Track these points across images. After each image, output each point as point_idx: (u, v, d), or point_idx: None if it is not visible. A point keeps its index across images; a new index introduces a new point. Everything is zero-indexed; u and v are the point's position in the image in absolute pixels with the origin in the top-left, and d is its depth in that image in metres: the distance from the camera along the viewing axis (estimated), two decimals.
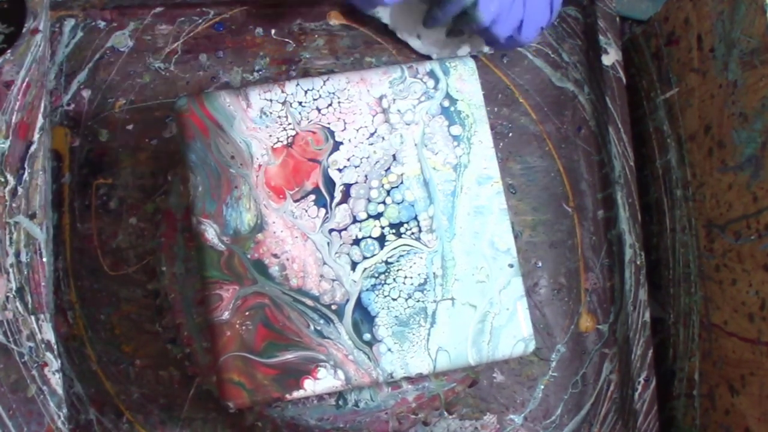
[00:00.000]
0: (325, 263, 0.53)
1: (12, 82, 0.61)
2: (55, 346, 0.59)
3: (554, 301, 0.68)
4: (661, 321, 0.70)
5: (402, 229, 0.54)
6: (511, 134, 0.70)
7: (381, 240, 0.54)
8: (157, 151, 0.65)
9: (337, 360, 0.52)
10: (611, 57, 0.70)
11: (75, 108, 0.65)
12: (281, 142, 0.54)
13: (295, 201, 0.53)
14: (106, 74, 0.66)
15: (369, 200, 0.54)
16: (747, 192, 0.59)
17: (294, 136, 0.54)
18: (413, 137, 0.55)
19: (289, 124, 0.54)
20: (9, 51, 0.62)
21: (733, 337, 0.61)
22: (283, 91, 0.55)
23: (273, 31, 0.69)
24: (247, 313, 0.52)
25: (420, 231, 0.54)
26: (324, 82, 0.55)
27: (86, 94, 0.66)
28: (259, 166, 0.53)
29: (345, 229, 0.53)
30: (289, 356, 0.52)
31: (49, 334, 0.59)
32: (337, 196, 0.54)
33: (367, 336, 0.53)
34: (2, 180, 0.60)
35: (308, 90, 0.55)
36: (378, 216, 0.54)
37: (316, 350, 0.52)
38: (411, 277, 0.54)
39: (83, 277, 0.63)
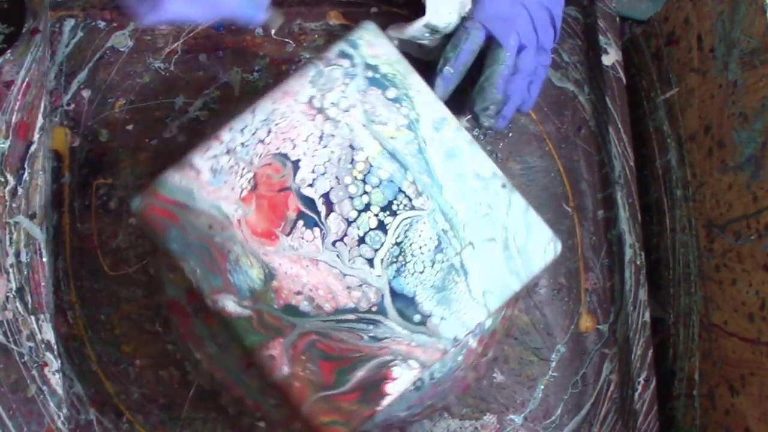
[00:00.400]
0: (345, 275, 0.53)
1: (12, 82, 0.62)
2: (55, 346, 0.59)
3: (554, 301, 0.68)
4: (661, 321, 0.70)
5: (394, 207, 0.54)
6: (511, 134, 0.70)
7: (381, 227, 0.53)
8: (157, 151, 0.65)
9: (403, 353, 0.52)
10: (611, 57, 0.70)
11: (75, 108, 0.65)
12: (246, 189, 0.53)
13: (288, 235, 0.53)
14: (106, 74, 0.66)
15: (351, 197, 0.54)
16: (747, 192, 0.59)
17: (254, 177, 0.53)
18: (358, 120, 0.54)
19: (243, 168, 0.53)
20: (9, 51, 0.62)
21: (733, 337, 0.61)
22: (221, 142, 0.53)
23: (273, 31, 0.69)
24: (303, 357, 0.51)
25: (410, 200, 0.54)
26: (253, 113, 0.54)
27: (86, 94, 0.66)
28: (238, 221, 0.52)
29: (345, 234, 0.53)
30: (361, 373, 0.52)
31: (49, 334, 0.59)
32: (322, 209, 0.53)
33: (417, 317, 0.53)
34: (2, 180, 0.60)
35: (243, 128, 0.54)
36: (367, 207, 0.54)
37: (380, 355, 0.52)
38: (425, 245, 0.54)
39: (83, 277, 0.63)
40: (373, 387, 0.52)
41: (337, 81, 0.55)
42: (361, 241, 0.53)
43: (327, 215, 0.53)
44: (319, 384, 0.51)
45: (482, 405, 0.66)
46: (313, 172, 0.54)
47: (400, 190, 0.54)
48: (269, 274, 0.52)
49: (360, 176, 0.54)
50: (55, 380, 0.59)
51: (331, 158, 0.54)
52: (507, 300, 0.54)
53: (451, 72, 0.61)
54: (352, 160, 0.54)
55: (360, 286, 0.53)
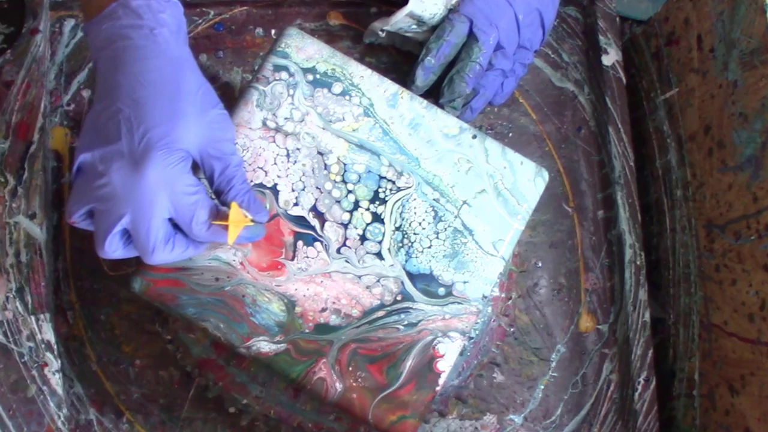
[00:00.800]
0: (360, 276, 0.53)
1: (12, 82, 0.62)
2: (55, 346, 0.59)
3: (554, 301, 0.68)
4: (661, 321, 0.70)
5: (380, 195, 0.54)
6: (511, 134, 0.70)
7: (377, 218, 0.54)
8: None
9: (441, 329, 0.53)
10: (611, 57, 0.70)
11: (75, 108, 0.65)
12: None
13: (292, 259, 0.53)
14: None
15: (338, 201, 0.54)
16: (747, 192, 0.59)
17: None
18: (316, 125, 0.54)
19: None
20: (9, 51, 0.62)
21: (733, 337, 0.61)
22: None
23: (273, 31, 0.69)
24: (350, 368, 0.52)
25: (393, 183, 0.54)
26: None
27: (86, 94, 0.66)
28: (241, 264, 0.52)
29: (346, 238, 0.53)
30: (410, 363, 0.52)
31: (49, 334, 0.59)
32: (315, 223, 0.53)
33: (441, 291, 0.53)
34: (2, 180, 0.60)
35: None
36: (356, 205, 0.54)
37: (421, 338, 0.53)
38: (423, 219, 0.54)
39: (83, 277, 0.63)
40: (426, 371, 0.52)
41: (282, 95, 0.55)
42: (363, 238, 0.53)
43: (322, 227, 0.53)
44: (374, 388, 0.52)
45: (482, 405, 0.65)
46: (293, 191, 0.54)
47: (381, 177, 0.54)
48: (290, 303, 0.52)
49: (338, 178, 0.54)
50: (55, 380, 0.59)
51: (305, 171, 0.54)
52: (515, 242, 0.55)
53: (432, 62, 0.62)
54: (325, 165, 0.54)
55: (378, 281, 0.53)
